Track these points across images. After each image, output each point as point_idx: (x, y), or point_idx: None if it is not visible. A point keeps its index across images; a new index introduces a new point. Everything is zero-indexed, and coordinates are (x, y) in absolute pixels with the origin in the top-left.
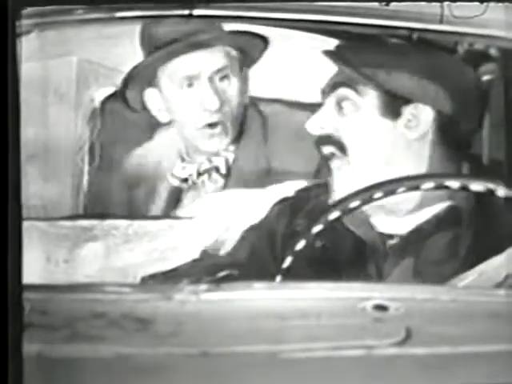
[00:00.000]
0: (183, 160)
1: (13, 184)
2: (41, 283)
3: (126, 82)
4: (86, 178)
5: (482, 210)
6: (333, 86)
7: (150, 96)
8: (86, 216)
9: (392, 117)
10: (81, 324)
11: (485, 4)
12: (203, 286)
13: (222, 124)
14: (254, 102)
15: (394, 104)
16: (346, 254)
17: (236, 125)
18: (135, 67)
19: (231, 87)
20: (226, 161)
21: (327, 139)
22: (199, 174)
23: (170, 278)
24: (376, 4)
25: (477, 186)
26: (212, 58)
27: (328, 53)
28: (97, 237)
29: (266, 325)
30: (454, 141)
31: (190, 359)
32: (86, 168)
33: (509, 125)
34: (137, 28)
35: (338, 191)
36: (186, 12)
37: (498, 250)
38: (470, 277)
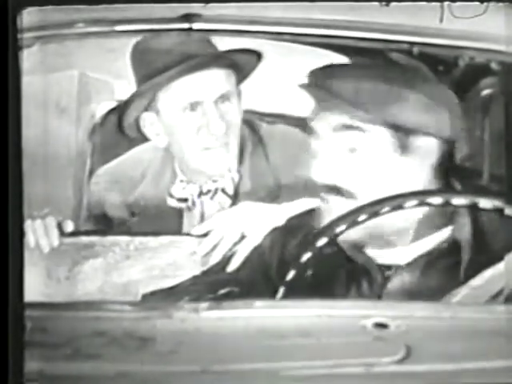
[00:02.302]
0: (181, 180)
1: (14, 201)
2: (42, 301)
3: (124, 108)
4: (86, 192)
5: (479, 230)
6: (336, 128)
7: (147, 120)
8: (86, 232)
9: (401, 151)
10: (82, 342)
11: (485, 4)
12: (203, 304)
13: (225, 146)
14: (249, 118)
15: (400, 137)
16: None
17: (239, 145)
18: (134, 93)
19: (233, 108)
20: (232, 181)
21: (331, 188)
22: (201, 194)
23: (170, 295)
24: (376, 16)
25: (459, 201)
26: (215, 83)
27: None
28: (97, 253)
29: (266, 343)
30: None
31: (191, 377)
32: (87, 182)
33: (509, 139)
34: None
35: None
36: (186, 26)
37: (492, 263)
38: (464, 291)
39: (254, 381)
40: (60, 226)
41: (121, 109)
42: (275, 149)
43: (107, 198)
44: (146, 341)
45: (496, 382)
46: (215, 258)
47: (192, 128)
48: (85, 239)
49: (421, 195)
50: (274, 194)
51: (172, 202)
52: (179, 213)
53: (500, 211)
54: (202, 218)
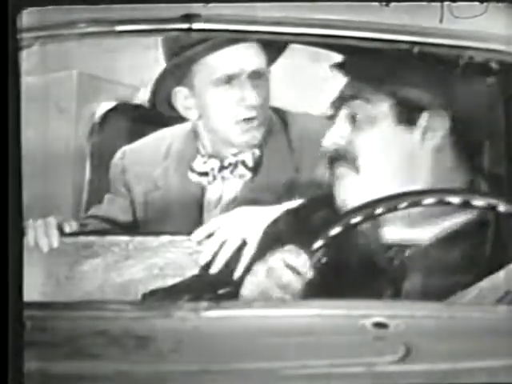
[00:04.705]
0: (202, 155)
1: (14, 200)
2: (41, 300)
3: (158, 83)
4: (86, 191)
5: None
6: (344, 99)
7: (179, 94)
8: (86, 232)
9: (408, 125)
10: (81, 341)
11: (485, 4)
12: (203, 304)
13: (258, 119)
14: (277, 109)
15: (409, 112)
16: (353, 271)
17: (267, 123)
18: (168, 67)
19: (265, 87)
20: (253, 155)
21: (340, 155)
22: (222, 168)
23: (170, 294)
24: (376, 16)
25: (478, 202)
26: (250, 57)
27: (336, 66)
28: (97, 253)
29: (266, 342)
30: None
31: (190, 376)
32: (87, 181)
33: (509, 139)
34: (137, 41)
35: (345, 200)
36: (186, 26)
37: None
38: (471, 293)
39: (254, 381)
40: (60, 226)
41: (155, 84)
42: (298, 133)
43: (128, 179)
44: (146, 340)
45: (496, 382)
46: (218, 265)
47: (227, 101)
48: (84, 239)
49: (441, 193)
50: (290, 182)
51: (193, 177)
52: (201, 191)
53: (493, 208)
54: (222, 194)
